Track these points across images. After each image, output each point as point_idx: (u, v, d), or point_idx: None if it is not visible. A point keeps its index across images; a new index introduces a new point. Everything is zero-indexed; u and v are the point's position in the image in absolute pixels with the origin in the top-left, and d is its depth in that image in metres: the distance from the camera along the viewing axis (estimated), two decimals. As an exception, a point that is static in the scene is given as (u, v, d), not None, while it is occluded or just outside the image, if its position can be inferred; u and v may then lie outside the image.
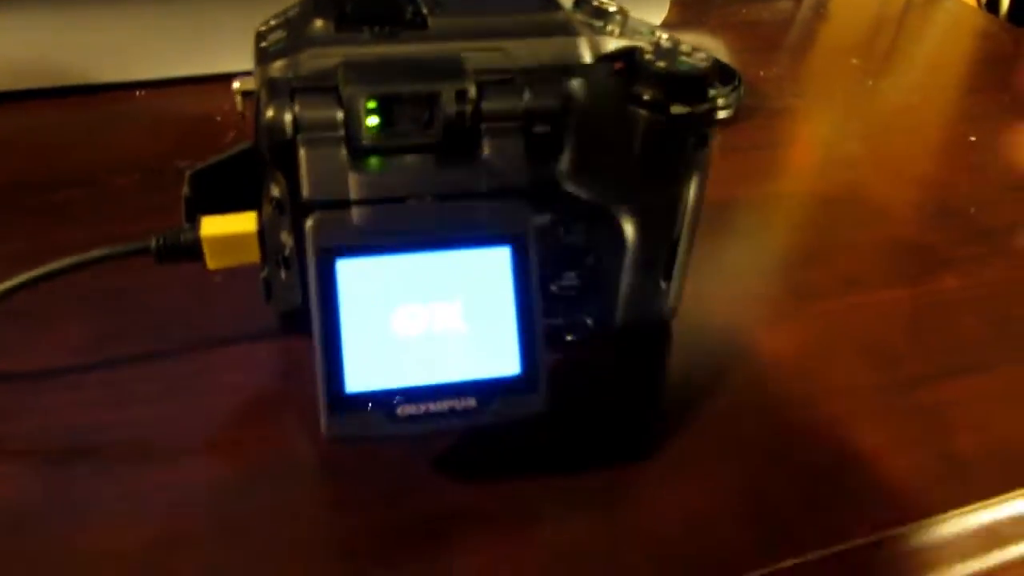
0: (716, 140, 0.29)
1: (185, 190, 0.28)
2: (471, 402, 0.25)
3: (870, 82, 0.57)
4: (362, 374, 0.24)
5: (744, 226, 0.42)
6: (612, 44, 0.28)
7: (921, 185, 0.47)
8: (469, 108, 0.25)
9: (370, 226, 0.24)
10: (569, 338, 0.32)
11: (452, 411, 0.25)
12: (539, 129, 0.26)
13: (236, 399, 0.30)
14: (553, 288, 0.31)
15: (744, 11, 0.68)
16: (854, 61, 0.60)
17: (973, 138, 0.51)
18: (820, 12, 0.71)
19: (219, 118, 0.46)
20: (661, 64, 0.26)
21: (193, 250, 0.28)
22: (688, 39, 0.29)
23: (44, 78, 0.47)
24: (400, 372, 0.25)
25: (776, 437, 0.30)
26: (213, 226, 0.28)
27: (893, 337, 0.35)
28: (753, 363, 0.33)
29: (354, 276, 0.24)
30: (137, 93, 0.49)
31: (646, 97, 0.26)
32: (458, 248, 0.25)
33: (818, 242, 0.41)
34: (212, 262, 0.28)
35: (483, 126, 0.25)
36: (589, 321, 0.32)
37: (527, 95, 0.25)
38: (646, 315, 0.32)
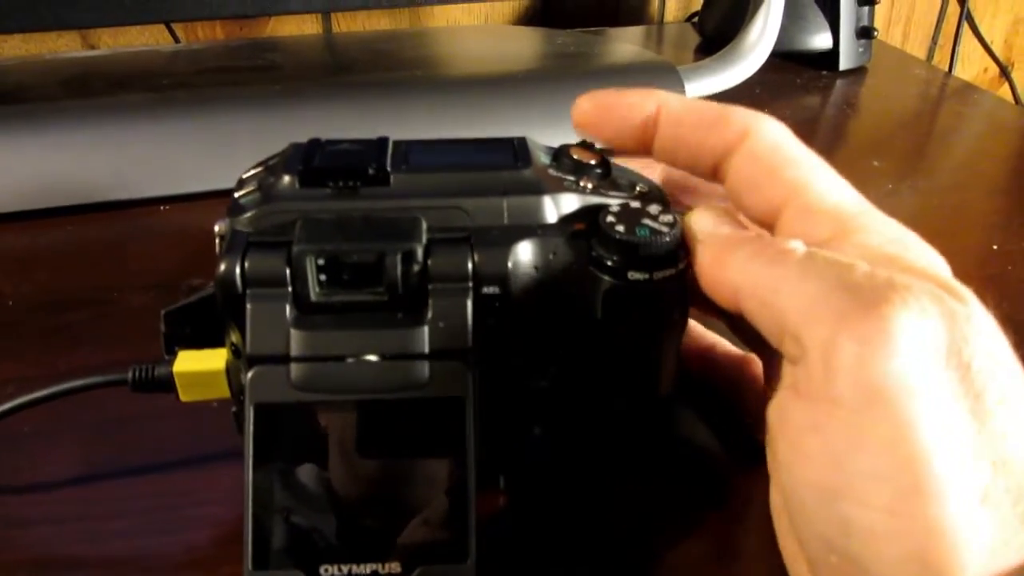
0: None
1: (162, 327, 0.29)
2: (395, 567, 0.24)
3: (890, 185, 0.56)
4: (289, 531, 0.24)
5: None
6: (578, 203, 0.27)
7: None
8: (416, 268, 0.25)
9: (308, 384, 0.25)
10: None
11: (375, 575, 0.24)
12: (488, 290, 0.26)
13: (216, 533, 0.30)
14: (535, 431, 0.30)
15: (767, 110, 0.67)
16: (875, 163, 0.59)
17: (995, 246, 0.49)
18: (846, 109, 0.70)
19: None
20: (620, 228, 0.26)
21: (166, 383, 0.29)
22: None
23: (69, 196, 0.49)
24: (327, 531, 0.25)
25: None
26: (186, 362, 0.29)
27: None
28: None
29: (288, 431, 0.25)
30: (162, 208, 0.51)
31: (606, 261, 0.26)
32: (394, 409, 0.25)
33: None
34: (184, 395, 0.29)
35: (430, 286, 0.25)
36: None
37: (475, 256, 0.25)
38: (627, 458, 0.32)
